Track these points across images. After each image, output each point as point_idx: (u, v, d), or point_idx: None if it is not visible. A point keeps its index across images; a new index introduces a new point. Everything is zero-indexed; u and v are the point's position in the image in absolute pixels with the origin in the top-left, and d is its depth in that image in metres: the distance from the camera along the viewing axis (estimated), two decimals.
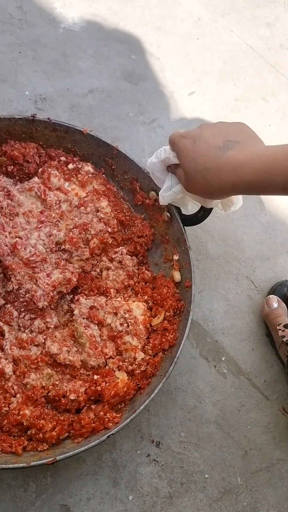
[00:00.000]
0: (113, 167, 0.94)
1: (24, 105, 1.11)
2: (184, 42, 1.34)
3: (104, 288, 0.87)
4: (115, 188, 0.95)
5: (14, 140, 0.89)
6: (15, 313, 0.80)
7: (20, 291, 0.80)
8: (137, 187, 0.93)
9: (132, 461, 0.83)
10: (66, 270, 0.84)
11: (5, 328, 0.79)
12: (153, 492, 0.82)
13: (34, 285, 0.80)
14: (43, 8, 1.27)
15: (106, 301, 0.84)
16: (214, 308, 1.00)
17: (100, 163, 0.94)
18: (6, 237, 0.82)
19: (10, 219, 0.84)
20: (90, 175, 0.92)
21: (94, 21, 1.29)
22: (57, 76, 1.18)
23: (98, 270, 0.90)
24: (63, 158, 0.92)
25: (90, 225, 0.88)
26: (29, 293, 0.79)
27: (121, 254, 0.90)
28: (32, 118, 0.87)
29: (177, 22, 1.37)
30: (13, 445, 0.72)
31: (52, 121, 0.89)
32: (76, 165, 0.93)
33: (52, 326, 0.81)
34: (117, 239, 0.91)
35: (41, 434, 0.73)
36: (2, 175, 0.88)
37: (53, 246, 0.85)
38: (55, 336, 0.80)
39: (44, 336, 0.79)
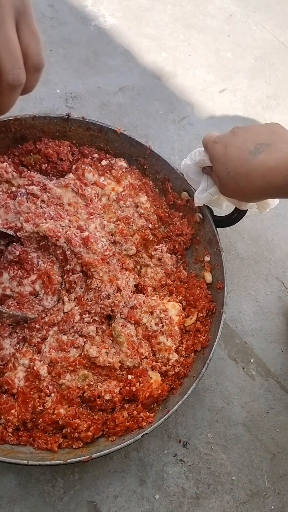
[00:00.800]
0: (145, 166, 0.94)
1: (55, 104, 1.12)
2: (215, 39, 1.33)
3: (142, 286, 0.87)
4: (150, 182, 0.94)
5: (48, 138, 0.90)
6: (77, 318, 0.80)
7: (101, 293, 0.79)
8: (169, 187, 0.93)
9: (159, 460, 0.83)
10: (132, 272, 0.85)
11: (51, 332, 0.79)
12: (180, 492, 0.82)
13: (119, 295, 0.80)
14: (74, 6, 1.27)
15: (144, 299, 0.84)
16: (243, 309, 0.99)
17: (132, 162, 0.94)
18: (70, 227, 0.81)
19: (60, 207, 0.84)
20: (124, 170, 0.92)
21: (124, 18, 1.29)
22: (87, 74, 1.18)
23: (138, 267, 0.89)
24: (96, 155, 0.93)
25: (132, 219, 0.88)
26: (109, 298, 0.79)
27: (161, 251, 0.90)
28: (66, 117, 0.88)
29: (208, 18, 1.36)
30: (49, 442, 0.73)
31: (86, 120, 0.89)
32: (109, 161, 0.93)
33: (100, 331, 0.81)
34: (157, 236, 0.91)
35: (76, 434, 0.74)
36: (36, 173, 0.88)
37: (111, 237, 0.85)
38: (95, 339, 0.80)
39: (85, 339, 0.79)
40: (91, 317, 0.80)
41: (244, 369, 0.93)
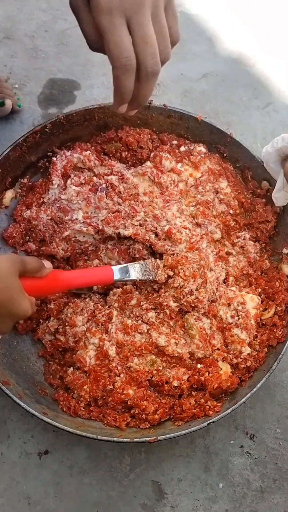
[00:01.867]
0: (224, 154, 0.92)
1: None
2: None
3: (226, 275, 0.86)
4: (231, 167, 0.93)
5: (129, 126, 0.91)
6: (133, 301, 0.82)
7: (184, 290, 0.79)
8: (249, 176, 0.91)
9: (225, 450, 0.83)
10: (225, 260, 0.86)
11: (115, 312, 0.82)
12: (244, 483, 0.81)
13: (203, 289, 0.80)
14: None
15: (224, 290, 0.83)
16: None
17: (211, 150, 0.93)
18: (146, 220, 0.84)
19: (135, 200, 0.87)
20: (203, 155, 0.91)
21: (211, 3, 1.27)
22: (171, 62, 1.16)
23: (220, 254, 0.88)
24: (174, 142, 0.93)
25: (212, 204, 0.87)
26: (192, 295, 0.80)
27: (244, 239, 0.88)
28: (148, 104, 0.89)
29: None
30: (118, 420, 0.76)
31: (168, 107, 0.90)
32: (188, 147, 0.93)
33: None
34: (239, 222, 0.89)
35: (144, 415, 0.76)
36: (116, 161, 0.91)
37: (192, 220, 0.86)
38: (159, 327, 0.80)
39: (148, 327, 0.80)
40: (154, 307, 0.82)
41: None
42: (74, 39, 1.19)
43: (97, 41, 0.57)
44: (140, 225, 0.84)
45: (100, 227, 0.84)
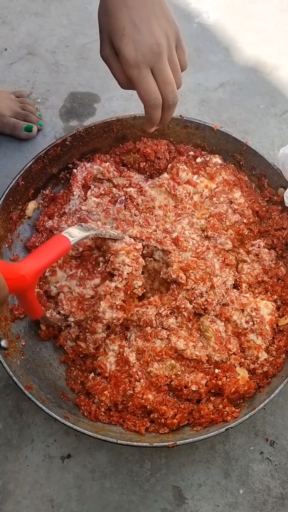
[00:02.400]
0: (241, 162, 0.93)
1: None
2: None
3: (238, 282, 0.87)
4: (246, 177, 0.94)
5: (147, 137, 0.94)
6: (163, 312, 0.82)
7: (195, 291, 0.82)
8: (265, 183, 0.92)
9: (245, 456, 0.83)
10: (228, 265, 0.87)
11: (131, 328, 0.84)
12: (265, 490, 0.81)
13: (212, 292, 0.82)
14: (179, 4, 1.30)
15: (237, 296, 0.84)
16: None
17: (228, 158, 0.94)
18: (156, 230, 0.86)
19: (150, 213, 0.89)
20: (219, 166, 0.93)
21: (228, 13, 1.29)
22: (188, 72, 1.18)
23: (235, 262, 0.90)
24: (191, 153, 0.95)
25: (225, 215, 0.89)
26: (202, 297, 0.82)
27: (258, 247, 0.89)
28: None
29: None
30: (137, 425, 0.77)
31: (184, 118, 0.92)
32: (204, 158, 0.95)
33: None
34: (254, 231, 0.91)
35: (163, 420, 0.77)
36: (134, 172, 0.93)
37: (201, 233, 0.88)
38: (178, 332, 0.82)
39: (168, 332, 0.82)
40: (171, 311, 0.83)
41: None
42: (94, 53, 1.22)
43: (127, 84, 0.73)
44: (148, 237, 0.86)
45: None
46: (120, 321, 0.81)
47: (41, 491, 0.81)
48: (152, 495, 0.81)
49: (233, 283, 0.86)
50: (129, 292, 0.81)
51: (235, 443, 0.84)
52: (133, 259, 0.80)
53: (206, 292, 0.82)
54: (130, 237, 0.85)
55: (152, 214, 0.89)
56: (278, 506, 0.80)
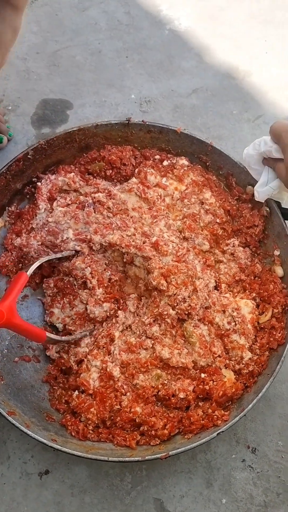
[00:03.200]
0: (207, 163, 0.93)
1: (129, 109, 1.15)
2: None
3: (218, 283, 0.86)
4: (214, 177, 0.94)
5: (111, 145, 0.93)
6: (146, 320, 0.82)
7: (177, 297, 0.81)
8: (233, 182, 0.92)
9: (227, 464, 0.82)
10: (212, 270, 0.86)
11: (116, 334, 0.82)
12: (247, 498, 0.80)
13: (194, 296, 0.81)
14: (150, 11, 1.30)
15: (218, 297, 0.83)
16: None
17: (194, 160, 0.94)
18: (134, 234, 0.85)
19: (125, 215, 0.88)
20: (186, 168, 0.93)
21: (199, 19, 1.29)
22: (161, 78, 1.20)
23: (213, 263, 0.89)
24: (157, 157, 0.94)
25: (198, 215, 0.88)
26: (185, 302, 0.81)
27: (233, 246, 0.89)
28: (127, 122, 0.91)
29: (287, 13, 1.32)
30: (127, 439, 0.76)
31: (147, 123, 0.91)
32: (171, 161, 0.94)
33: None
34: (227, 230, 0.90)
35: (153, 431, 0.76)
36: (101, 180, 0.92)
37: (179, 235, 0.87)
38: (163, 340, 0.81)
39: (152, 341, 0.81)
40: (154, 319, 0.82)
41: None
42: (65, 59, 1.21)
43: None
44: (129, 238, 0.85)
45: (89, 237, 0.85)
46: (113, 310, 0.84)
47: (19, 509, 0.78)
48: (133, 509, 0.79)
49: (214, 284, 0.86)
50: (105, 284, 0.83)
51: (216, 451, 0.83)
52: (88, 262, 0.84)
53: (189, 296, 0.81)
54: (110, 243, 0.84)
55: (128, 216, 0.87)
56: None
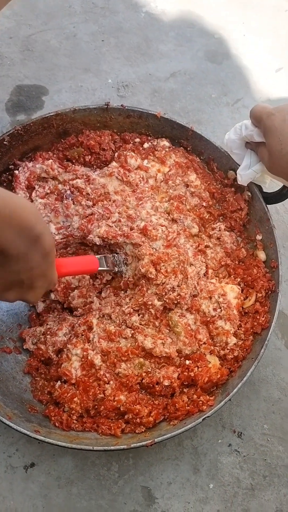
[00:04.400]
0: (188, 148, 0.92)
1: (107, 94, 1.13)
2: (272, 17, 1.27)
3: (205, 268, 0.85)
4: (198, 159, 0.92)
5: (89, 130, 0.90)
6: (126, 310, 0.81)
7: (166, 286, 0.79)
8: (214, 167, 0.91)
9: (213, 449, 0.82)
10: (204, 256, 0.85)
11: (94, 321, 0.81)
12: (235, 482, 0.81)
13: (184, 285, 0.80)
14: None
15: (205, 282, 0.82)
16: None
17: (174, 145, 0.93)
18: (120, 220, 0.82)
19: (107, 200, 0.85)
20: (167, 149, 0.91)
21: (176, 1, 1.27)
22: (139, 62, 1.18)
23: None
24: (137, 139, 0.92)
25: (184, 197, 0.87)
26: (174, 291, 0.79)
27: (219, 230, 0.88)
28: (106, 106, 0.88)
29: None
30: (112, 428, 0.75)
31: (126, 107, 0.89)
32: (151, 142, 0.92)
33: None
34: (213, 214, 0.89)
35: (138, 419, 0.75)
36: (80, 166, 0.90)
37: (168, 217, 0.85)
38: (144, 330, 0.80)
39: (132, 331, 0.79)
40: (137, 308, 0.81)
41: None
42: (39, 44, 1.17)
43: None
44: (115, 226, 0.83)
45: (76, 234, 0.83)
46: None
47: (5, 504, 0.77)
48: (121, 498, 0.78)
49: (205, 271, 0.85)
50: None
51: (202, 437, 0.83)
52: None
53: (179, 286, 0.79)
54: (98, 237, 0.82)
55: (110, 201, 0.85)
56: (248, 498, 0.80)
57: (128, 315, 0.80)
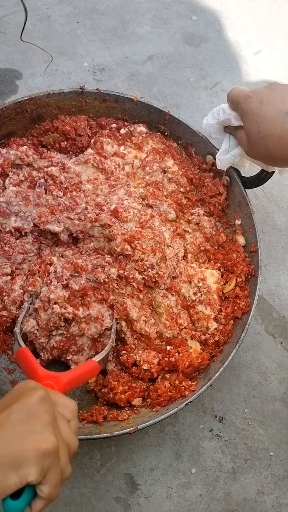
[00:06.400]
0: (166, 133, 0.91)
1: (83, 77, 1.10)
2: None
3: (184, 253, 0.85)
4: (175, 144, 0.91)
5: (64, 115, 0.88)
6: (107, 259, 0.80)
7: (145, 263, 0.77)
8: (192, 152, 0.90)
9: (195, 435, 0.83)
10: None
11: (54, 258, 0.81)
12: (216, 466, 0.81)
13: (163, 264, 0.79)
14: None
15: (184, 266, 0.82)
16: (281, 283, 0.96)
17: (152, 130, 0.91)
18: (86, 208, 0.80)
19: (77, 190, 0.83)
20: (144, 135, 0.90)
21: None
22: (115, 45, 1.15)
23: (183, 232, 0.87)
24: (114, 125, 0.91)
25: (161, 184, 0.86)
26: (153, 269, 0.78)
27: (198, 215, 0.87)
28: (81, 90, 0.86)
29: None
30: (94, 414, 0.75)
31: (102, 91, 0.87)
32: (128, 128, 0.91)
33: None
34: (191, 199, 0.88)
35: (111, 394, 0.76)
36: (56, 152, 0.88)
37: (142, 202, 0.84)
38: (133, 301, 0.79)
39: (110, 285, 0.79)
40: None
41: (282, 344, 0.91)
42: (12, 26, 1.14)
43: None
44: (79, 219, 0.81)
45: (32, 224, 0.82)
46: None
47: None
48: (104, 486, 0.78)
49: (183, 254, 0.84)
50: None
51: (184, 423, 0.83)
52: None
53: (157, 264, 0.78)
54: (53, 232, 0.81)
55: (79, 191, 0.83)
56: (230, 481, 0.81)
57: (108, 264, 0.79)
